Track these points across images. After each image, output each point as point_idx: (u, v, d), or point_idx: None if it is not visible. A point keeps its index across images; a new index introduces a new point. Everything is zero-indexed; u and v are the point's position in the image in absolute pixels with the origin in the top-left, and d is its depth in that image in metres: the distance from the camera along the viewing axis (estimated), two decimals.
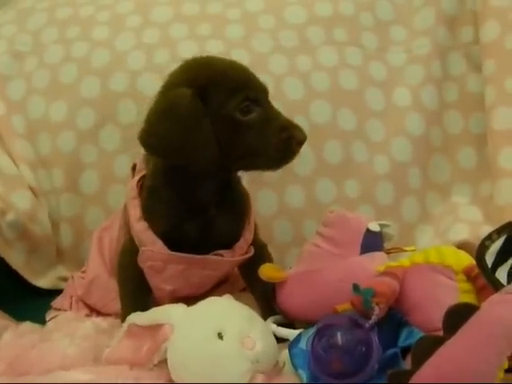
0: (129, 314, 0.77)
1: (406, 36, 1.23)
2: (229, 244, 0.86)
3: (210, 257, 0.84)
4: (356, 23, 1.23)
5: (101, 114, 1.16)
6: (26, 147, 1.17)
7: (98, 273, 1.00)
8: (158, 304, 0.83)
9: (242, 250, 0.87)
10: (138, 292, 0.87)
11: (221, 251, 0.85)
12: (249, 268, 0.89)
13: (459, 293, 0.68)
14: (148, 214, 0.84)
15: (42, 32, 1.24)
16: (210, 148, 0.76)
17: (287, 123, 0.80)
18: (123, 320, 0.78)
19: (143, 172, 0.89)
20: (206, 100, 0.76)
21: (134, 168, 0.93)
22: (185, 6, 1.25)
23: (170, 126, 0.76)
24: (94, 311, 0.99)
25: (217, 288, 0.94)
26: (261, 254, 0.90)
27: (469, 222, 1.10)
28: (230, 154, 0.78)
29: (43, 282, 1.11)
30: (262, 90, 0.82)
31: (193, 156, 0.76)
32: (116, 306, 0.92)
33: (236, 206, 0.87)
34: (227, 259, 0.85)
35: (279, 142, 0.79)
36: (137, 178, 0.89)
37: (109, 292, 0.96)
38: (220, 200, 0.85)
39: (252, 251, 0.88)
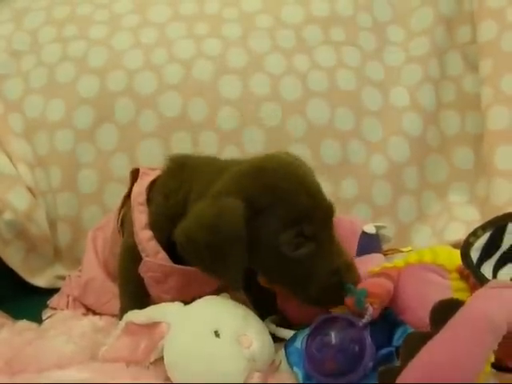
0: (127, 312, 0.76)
1: (404, 36, 1.23)
2: None
3: None
4: (353, 23, 1.23)
5: (98, 113, 1.17)
6: (23, 146, 1.17)
7: (93, 274, 0.99)
8: None
9: None
10: (137, 295, 0.85)
11: None
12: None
13: (452, 291, 0.67)
14: (155, 223, 0.82)
15: (40, 31, 1.24)
16: (238, 272, 0.71)
17: (342, 265, 0.71)
18: (121, 318, 0.77)
19: (150, 177, 0.87)
20: (256, 219, 0.70)
21: (132, 173, 0.91)
22: (182, 5, 1.25)
23: (206, 244, 0.70)
24: (90, 310, 0.99)
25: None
26: None
27: (465, 221, 1.11)
28: (270, 278, 0.76)
29: (40, 280, 1.11)
30: (324, 221, 0.72)
31: (218, 273, 0.74)
32: (112, 307, 0.92)
33: None
34: None
35: (327, 286, 0.70)
36: (145, 182, 0.86)
37: (104, 293, 0.96)
38: None
39: None
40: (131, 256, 0.84)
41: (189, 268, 0.80)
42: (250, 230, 0.69)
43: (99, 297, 0.97)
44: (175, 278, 0.82)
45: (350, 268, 0.72)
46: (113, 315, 0.92)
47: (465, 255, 0.63)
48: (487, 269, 0.63)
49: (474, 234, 0.64)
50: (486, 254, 0.64)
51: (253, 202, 0.70)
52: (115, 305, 0.90)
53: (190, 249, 0.72)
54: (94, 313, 0.98)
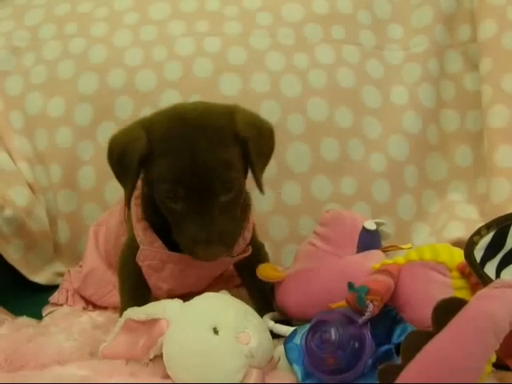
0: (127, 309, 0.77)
1: (404, 34, 1.23)
2: None
3: None
4: (353, 21, 1.23)
5: (98, 110, 1.17)
6: (23, 143, 1.17)
7: (94, 265, 1.00)
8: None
9: (240, 248, 0.86)
10: (137, 289, 0.86)
11: None
12: (245, 266, 0.89)
13: (453, 289, 0.68)
14: (147, 214, 0.84)
15: (40, 28, 1.25)
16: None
17: (200, 239, 0.74)
18: (121, 315, 0.78)
19: None
20: (152, 158, 0.75)
21: None
22: (182, 3, 1.25)
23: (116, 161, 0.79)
24: (90, 304, 1.00)
25: (212, 284, 0.94)
26: (257, 253, 0.90)
27: (465, 219, 1.11)
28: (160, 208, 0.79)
29: (40, 277, 1.11)
30: (197, 192, 0.74)
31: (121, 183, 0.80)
32: (112, 299, 0.94)
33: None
34: (224, 259, 0.84)
35: (189, 248, 0.76)
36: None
37: (105, 285, 0.97)
38: None
39: (250, 250, 0.88)
40: (132, 250, 0.85)
41: (185, 255, 0.80)
42: (147, 163, 0.75)
43: (99, 288, 0.98)
44: (172, 265, 0.83)
45: (207, 247, 0.73)
46: (112, 308, 0.93)
47: (469, 254, 0.63)
48: (491, 268, 0.63)
49: (478, 233, 0.64)
50: (490, 253, 0.64)
51: (152, 143, 0.75)
52: (115, 296, 0.90)
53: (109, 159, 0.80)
54: (94, 306, 0.99)
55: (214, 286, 0.93)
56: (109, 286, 0.95)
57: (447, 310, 0.54)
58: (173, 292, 0.85)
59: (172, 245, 0.82)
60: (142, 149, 0.74)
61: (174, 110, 0.79)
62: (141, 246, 0.83)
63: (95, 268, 1.00)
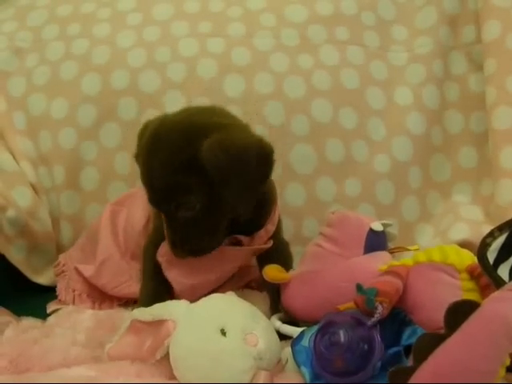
0: (146, 302, 0.79)
1: (408, 35, 1.23)
2: (249, 232, 0.86)
3: (228, 248, 0.84)
4: (358, 22, 1.23)
5: (101, 111, 1.16)
6: (26, 144, 1.16)
7: (110, 253, 0.99)
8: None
9: (261, 240, 0.87)
10: (160, 285, 0.87)
11: (240, 236, 0.85)
12: (263, 262, 0.89)
13: (462, 291, 0.68)
14: None
15: (43, 29, 1.24)
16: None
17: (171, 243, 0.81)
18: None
19: None
20: None
21: None
22: (186, 3, 1.25)
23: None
24: (96, 303, 0.99)
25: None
26: (280, 250, 0.90)
27: (469, 221, 1.11)
28: None
29: (43, 278, 1.10)
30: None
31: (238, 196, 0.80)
32: (127, 289, 0.95)
33: (263, 196, 0.86)
34: (245, 248, 0.85)
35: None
36: None
37: (120, 274, 0.97)
38: None
39: (270, 243, 0.88)
40: (154, 244, 0.87)
41: None
42: None
43: (114, 277, 0.97)
44: (193, 260, 0.83)
45: (174, 250, 0.80)
46: (126, 298, 0.95)
47: (482, 257, 0.63)
48: (504, 270, 0.62)
49: (491, 235, 0.64)
50: (503, 255, 0.63)
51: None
52: (131, 287, 0.92)
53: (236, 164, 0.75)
54: (101, 305, 0.99)
55: (222, 285, 0.93)
56: (125, 276, 0.96)
57: (460, 312, 0.54)
58: (196, 290, 0.85)
59: None
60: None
61: (155, 122, 0.82)
62: (162, 241, 0.84)
63: (111, 256, 0.98)
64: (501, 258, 0.63)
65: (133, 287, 0.93)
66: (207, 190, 0.76)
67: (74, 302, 1.00)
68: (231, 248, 0.85)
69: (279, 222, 0.92)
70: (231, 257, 0.86)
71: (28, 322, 0.88)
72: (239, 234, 0.86)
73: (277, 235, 0.90)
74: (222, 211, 0.80)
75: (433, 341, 0.53)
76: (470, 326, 0.53)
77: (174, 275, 0.85)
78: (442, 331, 0.56)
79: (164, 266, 0.86)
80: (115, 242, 1.00)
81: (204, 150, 0.74)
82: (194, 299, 0.77)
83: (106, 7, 1.26)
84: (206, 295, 0.76)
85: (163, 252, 0.85)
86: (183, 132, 0.77)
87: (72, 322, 0.85)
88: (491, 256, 0.63)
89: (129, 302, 0.97)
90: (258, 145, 0.77)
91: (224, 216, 0.80)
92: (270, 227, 0.88)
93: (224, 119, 0.81)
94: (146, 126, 0.84)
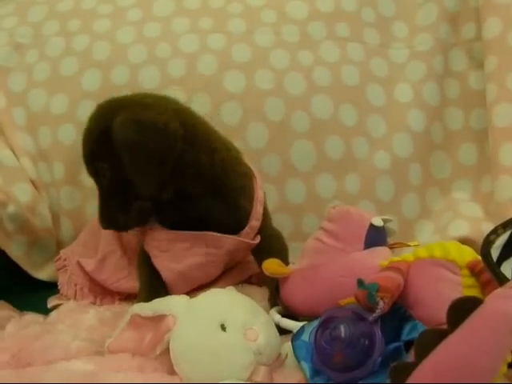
0: (145, 297, 0.82)
1: (408, 32, 1.23)
2: (234, 231, 0.89)
3: (212, 233, 0.87)
4: (358, 19, 1.23)
5: None
6: (26, 140, 1.17)
7: (111, 249, 1.00)
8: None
9: (248, 236, 0.89)
10: (155, 278, 0.89)
11: (227, 236, 0.88)
12: (258, 257, 0.92)
13: (463, 287, 0.68)
14: None
15: (43, 24, 1.24)
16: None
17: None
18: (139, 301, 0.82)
19: None
20: None
21: None
22: None
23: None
24: (98, 297, 1.00)
25: (220, 277, 0.94)
26: (270, 242, 0.92)
27: (469, 218, 1.11)
28: None
29: (43, 274, 1.11)
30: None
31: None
32: (127, 283, 0.96)
33: (230, 194, 0.89)
34: (229, 236, 0.87)
35: None
36: None
37: (120, 269, 0.98)
38: (213, 190, 0.87)
39: (258, 239, 0.90)
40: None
41: (188, 232, 0.87)
42: None
43: (115, 272, 0.98)
44: (178, 243, 0.87)
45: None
46: (126, 294, 0.97)
47: (485, 253, 0.62)
48: (507, 268, 0.62)
49: (495, 232, 0.64)
50: (506, 252, 0.63)
51: None
52: (131, 282, 0.93)
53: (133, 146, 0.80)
54: (102, 300, 0.99)
55: (221, 279, 0.93)
56: (124, 272, 0.97)
57: (463, 308, 0.53)
58: (185, 277, 0.86)
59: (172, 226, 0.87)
60: None
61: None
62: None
63: (112, 251, 1.00)
64: (504, 255, 0.63)
65: (132, 282, 0.94)
66: (115, 163, 0.81)
67: (75, 297, 1.00)
68: (212, 233, 0.88)
69: (266, 214, 0.93)
70: (215, 242, 0.88)
71: (30, 316, 0.88)
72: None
73: (265, 228, 0.92)
74: (128, 187, 0.83)
75: (435, 337, 0.53)
76: (473, 322, 0.53)
77: (163, 261, 0.87)
78: (443, 327, 0.56)
79: (154, 254, 0.88)
80: (116, 237, 1.00)
81: (114, 123, 0.80)
82: (186, 289, 0.79)
83: (107, 3, 1.26)
84: (201, 289, 0.76)
85: (149, 239, 0.88)
86: (106, 106, 0.87)
87: (74, 319, 0.85)
88: (495, 253, 0.63)
89: (130, 297, 0.97)
90: (162, 122, 0.81)
91: (131, 193, 0.83)
92: (254, 223, 0.90)
93: (154, 101, 0.86)
94: None
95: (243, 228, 0.90)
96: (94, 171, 0.85)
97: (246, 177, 0.93)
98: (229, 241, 0.89)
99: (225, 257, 0.91)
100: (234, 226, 0.89)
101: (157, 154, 0.80)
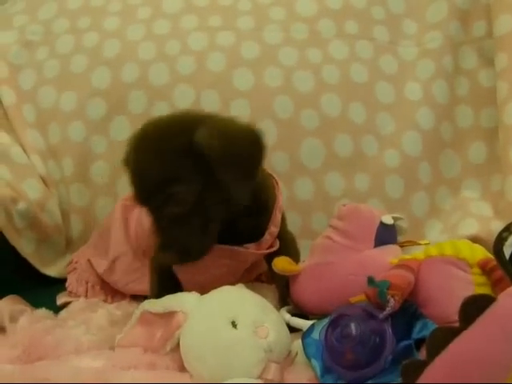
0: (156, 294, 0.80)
1: (418, 30, 1.22)
2: (254, 239, 0.86)
3: (238, 248, 0.84)
4: (367, 16, 1.22)
5: (111, 105, 1.17)
6: (36, 137, 1.17)
7: (122, 251, 0.99)
8: None
9: (267, 243, 0.87)
10: (169, 287, 0.85)
11: (246, 245, 0.85)
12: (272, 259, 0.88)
13: (474, 286, 0.67)
14: None
15: (53, 22, 1.24)
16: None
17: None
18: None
19: None
20: None
21: None
22: None
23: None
24: (109, 295, 1.00)
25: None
26: (285, 246, 0.90)
27: (479, 217, 1.10)
28: None
29: (52, 270, 1.11)
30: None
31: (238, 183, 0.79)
32: (138, 286, 0.95)
33: (258, 202, 0.84)
34: (254, 252, 0.85)
35: None
36: None
37: (132, 271, 0.97)
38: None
39: (277, 245, 0.88)
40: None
41: (219, 246, 0.82)
42: None
43: (126, 274, 0.98)
44: (206, 256, 0.81)
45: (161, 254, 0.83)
46: (135, 298, 0.95)
47: (498, 251, 0.62)
48: None
49: (507, 230, 0.63)
50: None
51: None
52: (142, 284, 0.92)
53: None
54: (113, 298, 0.99)
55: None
56: (136, 273, 0.96)
57: (475, 306, 0.53)
58: (204, 287, 0.85)
59: None
60: None
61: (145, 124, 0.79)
62: None
63: (123, 253, 0.98)
64: None
65: (144, 284, 0.92)
66: (200, 180, 0.74)
67: (86, 295, 1.00)
68: (238, 248, 0.84)
69: (283, 220, 0.92)
70: (239, 256, 0.85)
71: (42, 312, 0.88)
72: (245, 243, 0.85)
73: (281, 234, 0.90)
74: (216, 202, 0.77)
75: (446, 335, 0.53)
76: (486, 320, 0.52)
77: (185, 274, 0.85)
78: (454, 325, 0.55)
79: (176, 266, 0.85)
80: (127, 238, 0.99)
81: (199, 136, 0.72)
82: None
83: (116, 1, 1.26)
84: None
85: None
86: (175, 123, 0.78)
87: (85, 318, 0.86)
88: (507, 251, 0.62)
89: (142, 296, 0.95)
90: (249, 130, 0.78)
91: (214, 213, 0.78)
92: (273, 229, 0.87)
93: (206, 115, 0.81)
94: (133, 135, 0.80)
95: (261, 233, 0.87)
96: (163, 201, 0.74)
97: (274, 188, 0.91)
98: (253, 255, 0.87)
99: (244, 266, 0.90)
100: (254, 233, 0.86)
101: (253, 159, 0.77)
